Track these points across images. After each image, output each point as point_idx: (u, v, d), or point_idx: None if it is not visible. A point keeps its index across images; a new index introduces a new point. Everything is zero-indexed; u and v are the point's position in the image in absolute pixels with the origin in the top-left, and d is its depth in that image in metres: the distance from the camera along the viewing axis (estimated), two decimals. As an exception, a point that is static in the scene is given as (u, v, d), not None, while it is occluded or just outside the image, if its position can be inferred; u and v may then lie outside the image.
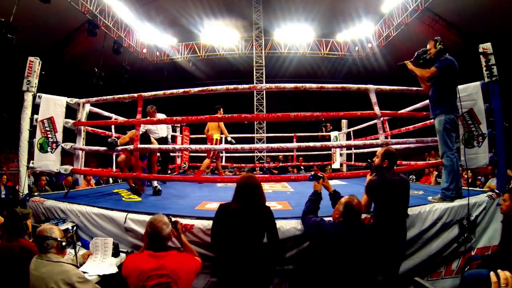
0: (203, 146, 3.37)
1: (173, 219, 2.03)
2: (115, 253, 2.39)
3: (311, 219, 2.21)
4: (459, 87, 3.01)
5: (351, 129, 6.61)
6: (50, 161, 3.51)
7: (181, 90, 3.36)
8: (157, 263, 1.71)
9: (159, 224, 1.80)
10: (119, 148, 3.34)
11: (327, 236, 2.04)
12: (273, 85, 3.20)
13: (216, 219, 2.06)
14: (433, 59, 3.01)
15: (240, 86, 3.26)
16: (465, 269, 2.65)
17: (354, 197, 2.10)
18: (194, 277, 1.83)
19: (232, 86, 3.23)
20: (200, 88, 3.33)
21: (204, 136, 7.44)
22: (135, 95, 3.41)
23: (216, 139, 5.69)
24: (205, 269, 2.22)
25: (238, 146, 3.37)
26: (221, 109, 5.73)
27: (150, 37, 13.47)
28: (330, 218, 2.21)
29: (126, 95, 3.52)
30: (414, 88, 3.42)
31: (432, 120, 3.73)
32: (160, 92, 3.43)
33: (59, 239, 1.93)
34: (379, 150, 2.51)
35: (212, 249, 2.10)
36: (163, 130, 5.14)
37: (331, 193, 2.53)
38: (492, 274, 0.93)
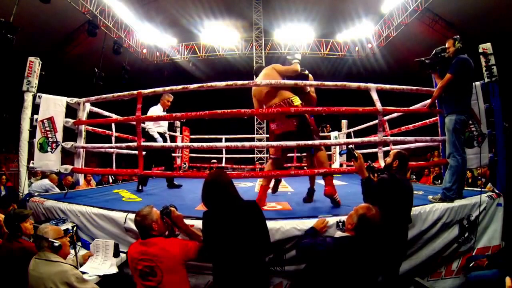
0: (205, 144, 3.37)
1: (169, 208, 2.06)
2: (116, 254, 2.39)
3: (303, 243, 1.98)
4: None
5: (351, 130, 6.62)
6: (50, 161, 3.51)
7: (180, 87, 3.34)
8: (142, 248, 1.90)
9: (139, 215, 1.98)
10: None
11: (324, 259, 1.78)
12: (273, 81, 3.17)
13: (203, 226, 1.93)
14: (451, 58, 2.97)
15: (239, 82, 3.23)
16: (469, 265, 2.65)
17: (372, 207, 1.85)
18: (180, 260, 1.87)
19: (231, 82, 3.20)
20: (199, 84, 3.30)
21: (204, 136, 7.43)
22: (135, 92, 3.41)
23: None
24: (205, 269, 2.22)
25: (239, 144, 3.37)
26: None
27: (150, 37, 13.46)
28: (340, 232, 2.02)
29: (125, 93, 3.52)
30: (415, 88, 3.42)
31: (433, 119, 3.73)
32: (160, 89, 3.43)
33: (50, 239, 1.92)
34: (392, 151, 2.55)
35: (209, 256, 2.05)
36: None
37: (364, 180, 2.32)
38: (507, 279, 0.94)
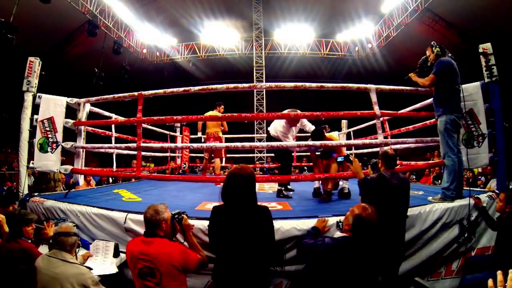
0: (204, 145, 3.38)
1: (182, 215, 2.04)
2: (115, 254, 2.39)
3: (303, 243, 1.96)
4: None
5: (351, 129, 6.61)
6: (50, 161, 3.51)
7: (181, 89, 3.37)
8: (144, 247, 1.83)
9: (152, 209, 1.90)
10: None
11: (322, 259, 1.79)
12: (273, 84, 3.22)
13: (210, 221, 1.95)
14: (434, 63, 3.04)
15: (240, 85, 3.27)
16: (468, 267, 2.66)
17: (368, 206, 1.85)
18: (179, 267, 1.80)
19: (232, 85, 3.24)
20: (200, 87, 3.34)
21: (204, 136, 7.46)
22: (135, 93, 3.42)
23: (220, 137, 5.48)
24: (206, 269, 2.21)
25: (239, 144, 3.38)
26: (222, 106, 5.35)
27: (150, 37, 13.45)
28: (339, 233, 2.03)
29: (126, 94, 3.53)
30: (414, 88, 3.43)
31: (433, 120, 3.76)
32: (161, 91, 3.44)
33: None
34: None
35: (211, 251, 2.08)
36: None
37: (360, 181, 2.38)
38: (490, 280, 0.96)
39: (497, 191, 3.03)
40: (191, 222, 2.27)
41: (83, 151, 3.85)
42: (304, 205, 3.25)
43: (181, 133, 7.31)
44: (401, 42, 12.04)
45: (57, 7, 8.99)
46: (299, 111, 3.62)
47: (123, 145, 4.15)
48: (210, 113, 5.31)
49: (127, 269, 2.26)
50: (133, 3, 11.84)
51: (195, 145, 3.53)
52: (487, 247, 2.80)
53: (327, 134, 3.67)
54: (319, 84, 3.31)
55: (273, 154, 8.60)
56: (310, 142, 3.61)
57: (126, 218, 2.55)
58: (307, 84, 3.24)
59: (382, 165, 2.47)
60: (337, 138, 3.61)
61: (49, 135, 3.52)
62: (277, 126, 3.76)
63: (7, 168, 9.15)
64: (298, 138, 4.29)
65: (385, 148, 3.22)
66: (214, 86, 3.29)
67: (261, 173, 8.40)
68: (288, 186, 4.00)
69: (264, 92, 13.22)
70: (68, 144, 3.64)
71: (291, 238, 2.33)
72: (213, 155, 5.66)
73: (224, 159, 7.65)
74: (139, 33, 13.13)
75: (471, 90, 3.24)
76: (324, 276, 1.79)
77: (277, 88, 3.46)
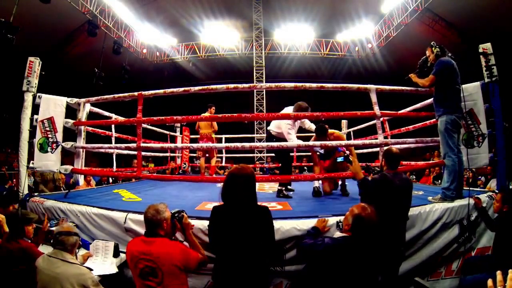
0: (204, 145, 3.38)
1: (182, 213, 2.05)
2: (115, 254, 2.39)
3: (303, 243, 1.96)
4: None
5: (351, 129, 6.61)
6: (50, 161, 3.51)
7: (181, 89, 3.37)
8: (145, 247, 1.82)
9: (153, 209, 1.90)
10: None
11: (322, 259, 1.79)
12: (273, 84, 3.23)
13: (210, 221, 1.95)
14: (434, 64, 3.04)
15: (240, 85, 3.28)
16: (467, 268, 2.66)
17: (367, 206, 1.85)
18: (181, 266, 1.80)
19: (232, 85, 3.24)
20: (200, 87, 3.35)
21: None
22: (135, 93, 3.42)
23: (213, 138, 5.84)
24: (206, 269, 2.22)
25: (239, 145, 3.38)
26: (213, 107, 5.67)
27: (150, 37, 13.46)
28: (339, 233, 2.02)
29: (126, 94, 3.53)
30: (414, 88, 3.43)
31: (433, 120, 3.77)
32: (161, 91, 3.44)
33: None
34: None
35: (211, 251, 2.08)
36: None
37: (360, 181, 2.38)
38: (489, 280, 0.96)
39: (497, 191, 3.03)
40: (191, 222, 2.28)
41: (83, 151, 3.85)
42: (304, 205, 3.24)
43: (181, 133, 7.31)
44: (401, 42, 12.05)
45: (57, 7, 8.99)
46: (306, 104, 3.60)
47: (123, 145, 4.15)
48: (202, 115, 5.48)
49: (127, 269, 2.26)
50: (133, 3, 11.85)
51: (195, 145, 3.54)
52: (487, 247, 2.80)
53: (332, 131, 3.66)
54: (319, 85, 3.32)
55: (273, 154, 8.61)
56: (311, 143, 3.61)
57: (126, 218, 2.55)
58: (307, 85, 3.25)
59: (385, 164, 2.44)
60: (343, 135, 3.59)
61: (49, 135, 3.52)
62: (281, 121, 3.75)
63: (7, 168, 9.16)
64: (299, 138, 4.31)
65: (389, 146, 3.22)
66: (214, 86, 3.30)
67: (261, 173, 8.40)
68: (289, 186, 4.00)
69: (264, 92, 13.22)
70: (68, 144, 3.64)
71: (291, 238, 2.33)
72: (208, 155, 6.05)
73: (224, 159, 7.70)
74: (139, 33, 13.13)
75: (471, 90, 3.24)
76: (324, 276, 1.79)
77: (277, 89, 3.46)
